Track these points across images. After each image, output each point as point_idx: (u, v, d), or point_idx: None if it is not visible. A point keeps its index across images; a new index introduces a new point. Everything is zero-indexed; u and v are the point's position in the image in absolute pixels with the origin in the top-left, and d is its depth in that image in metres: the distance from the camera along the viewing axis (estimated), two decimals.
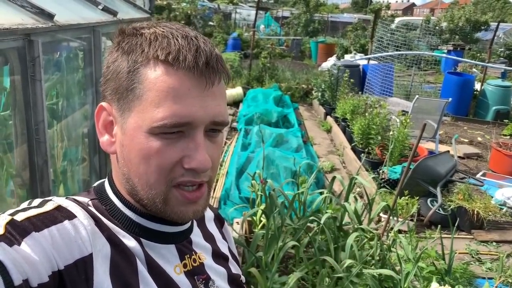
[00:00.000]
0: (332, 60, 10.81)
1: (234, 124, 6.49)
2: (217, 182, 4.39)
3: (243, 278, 0.81)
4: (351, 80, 6.73)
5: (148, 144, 0.57)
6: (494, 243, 3.55)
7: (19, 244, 0.47)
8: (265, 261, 2.41)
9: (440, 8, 47.79)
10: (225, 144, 5.66)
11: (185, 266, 0.66)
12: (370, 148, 5.03)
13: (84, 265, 0.52)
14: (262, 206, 2.86)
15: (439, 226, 2.80)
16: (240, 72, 9.57)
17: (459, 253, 3.31)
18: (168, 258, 0.64)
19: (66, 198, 0.60)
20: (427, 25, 14.53)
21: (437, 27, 15.11)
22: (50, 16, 1.59)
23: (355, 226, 2.64)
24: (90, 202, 0.63)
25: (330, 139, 6.34)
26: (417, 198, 3.71)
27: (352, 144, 5.41)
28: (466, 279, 2.87)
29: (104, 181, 0.67)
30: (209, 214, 0.82)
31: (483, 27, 15.40)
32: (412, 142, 4.41)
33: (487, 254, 3.40)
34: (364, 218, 3.00)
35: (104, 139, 0.63)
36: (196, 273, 0.67)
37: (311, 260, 2.55)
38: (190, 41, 0.57)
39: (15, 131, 1.49)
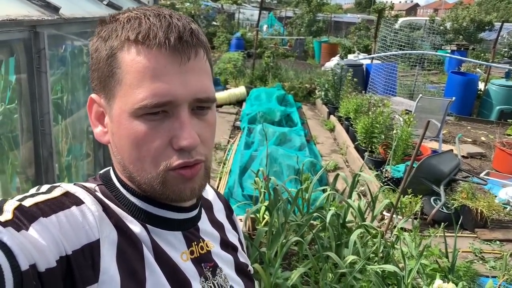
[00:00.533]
0: (335, 60, 10.79)
1: (238, 123, 6.50)
2: (220, 180, 4.39)
3: (251, 268, 0.81)
4: (355, 79, 6.72)
5: (134, 129, 0.56)
6: (498, 242, 3.53)
7: (27, 229, 0.47)
8: (268, 256, 2.40)
9: (443, 9, 47.70)
10: (228, 143, 5.66)
11: (192, 253, 0.66)
12: (373, 147, 5.02)
13: (91, 250, 0.52)
14: (266, 203, 2.86)
15: (442, 224, 2.79)
16: (243, 71, 9.57)
17: (463, 251, 3.29)
18: (174, 245, 0.64)
19: (74, 184, 0.60)
20: (431, 24, 14.49)
21: (441, 27, 15.08)
22: (55, 9, 1.60)
23: (359, 223, 2.64)
24: (97, 188, 0.63)
25: (333, 138, 6.32)
26: (421, 196, 3.70)
27: (355, 143, 5.40)
28: (469, 277, 2.85)
29: (109, 169, 0.67)
30: (218, 204, 0.81)
31: (487, 27, 15.36)
32: (416, 141, 4.40)
33: (490, 252, 3.39)
34: (367, 216, 3.00)
35: (97, 130, 0.63)
36: (203, 261, 0.67)
37: (314, 256, 2.55)
38: (162, 19, 0.56)
39: (20, 123, 1.50)
